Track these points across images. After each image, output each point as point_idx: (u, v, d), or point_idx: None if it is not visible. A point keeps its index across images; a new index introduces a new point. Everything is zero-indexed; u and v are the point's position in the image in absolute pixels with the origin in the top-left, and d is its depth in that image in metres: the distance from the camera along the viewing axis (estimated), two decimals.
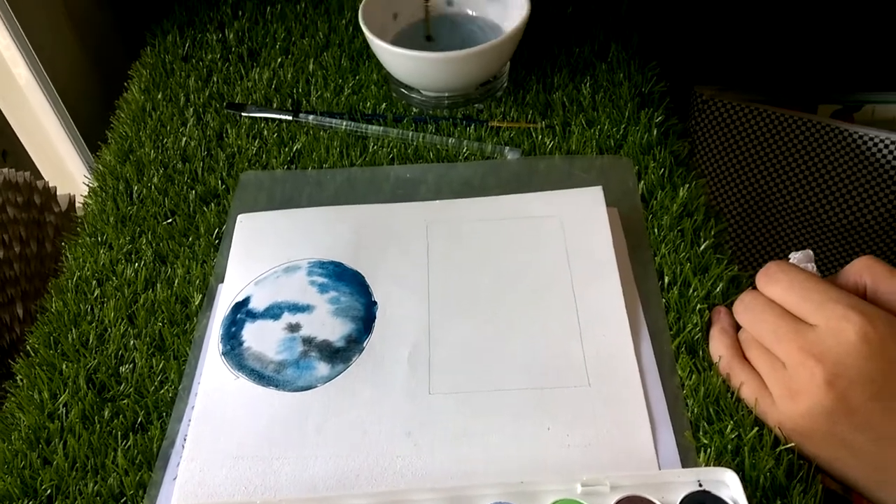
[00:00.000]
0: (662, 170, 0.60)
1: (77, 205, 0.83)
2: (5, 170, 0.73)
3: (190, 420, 0.48)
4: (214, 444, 0.46)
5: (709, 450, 0.44)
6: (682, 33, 0.90)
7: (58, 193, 0.83)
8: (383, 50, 0.65)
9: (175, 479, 0.45)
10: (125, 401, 0.50)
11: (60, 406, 0.50)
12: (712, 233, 0.56)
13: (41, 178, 0.83)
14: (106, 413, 0.49)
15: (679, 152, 0.63)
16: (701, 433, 0.45)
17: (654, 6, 0.87)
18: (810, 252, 0.49)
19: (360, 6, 0.68)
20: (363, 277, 0.55)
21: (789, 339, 0.43)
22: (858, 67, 0.87)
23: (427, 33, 0.72)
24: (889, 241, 0.85)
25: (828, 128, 0.83)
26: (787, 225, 0.90)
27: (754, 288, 0.48)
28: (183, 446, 0.47)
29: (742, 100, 0.87)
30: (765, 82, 0.89)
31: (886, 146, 0.80)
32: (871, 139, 0.81)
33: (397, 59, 0.65)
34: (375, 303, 0.53)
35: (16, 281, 0.71)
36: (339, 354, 0.50)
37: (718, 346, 0.48)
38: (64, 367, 0.52)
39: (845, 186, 0.84)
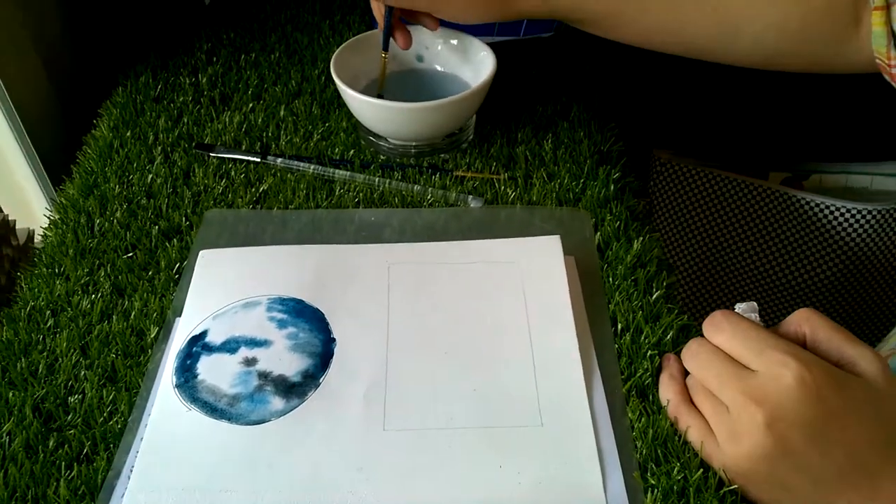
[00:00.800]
0: (618, 223, 0.62)
1: (36, 238, 0.83)
2: None
3: (138, 451, 0.48)
4: (162, 476, 0.46)
5: (656, 490, 0.45)
6: (642, 100, 0.93)
7: (17, 227, 0.83)
8: (353, 98, 0.67)
9: None
10: (72, 431, 0.49)
11: (3, 434, 0.49)
12: (664, 284, 0.57)
13: (0, 210, 0.83)
14: (51, 443, 0.48)
15: (634, 207, 0.65)
16: (649, 474, 0.46)
17: (616, 73, 0.90)
18: (754, 304, 0.50)
19: (333, 55, 0.70)
20: (323, 314, 0.55)
21: (732, 383, 0.44)
22: (808, 139, 0.91)
23: (379, 91, 0.73)
24: (832, 300, 0.88)
25: (777, 193, 0.86)
26: (736, 282, 0.92)
27: (702, 336, 0.49)
28: (129, 477, 0.46)
29: (698, 164, 0.91)
30: (720, 149, 0.93)
31: (832, 212, 0.83)
32: (818, 205, 0.84)
33: (366, 108, 0.67)
34: (334, 339, 0.54)
35: None
36: (295, 389, 0.51)
37: (667, 391, 0.49)
38: (10, 395, 0.51)
39: (793, 248, 0.87)
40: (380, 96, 0.73)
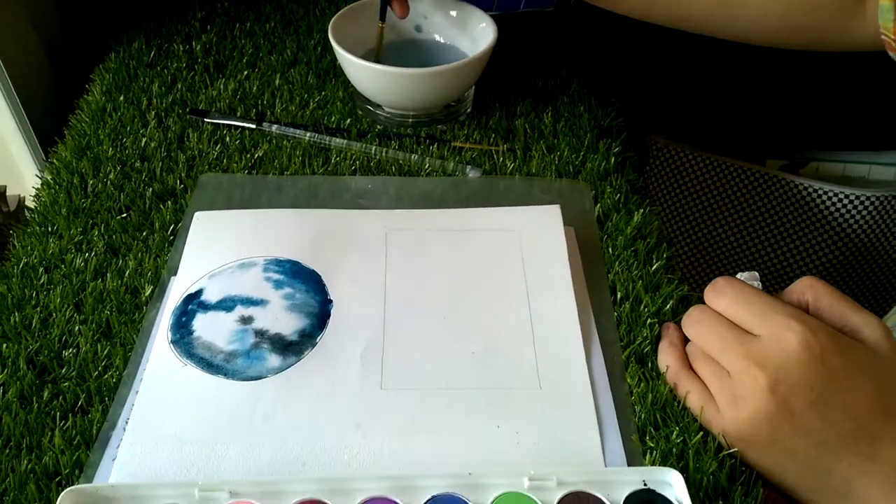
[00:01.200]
0: (618, 195, 0.62)
1: (27, 203, 0.82)
2: None
3: (133, 405, 0.47)
4: (158, 427, 0.45)
5: (654, 453, 0.45)
6: (640, 83, 0.93)
7: (7, 193, 0.81)
8: (350, 63, 0.66)
9: (115, 459, 0.44)
10: (66, 383, 0.48)
11: None
12: (664, 255, 0.57)
13: None
14: (45, 394, 0.48)
15: (635, 181, 0.65)
16: (647, 437, 0.46)
17: (616, 54, 0.90)
18: (756, 273, 0.50)
19: (331, 22, 0.69)
20: (320, 276, 0.55)
21: (734, 348, 0.44)
22: (805, 126, 0.91)
23: (377, 58, 0.73)
24: (829, 282, 0.88)
25: (775, 178, 0.86)
26: (733, 267, 0.92)
27: (703, 303, 0.49)
28: (125, 429, 0.46)
29: (695, 149, 0.91)
30: (716, 135, 0.93)
31: (830, 198, 0.83)
32: (816, 191, 0.84)
33: (364, 73, 0.67)
34: (331, 301, 0.53)
35: None
36: (292, 348, 0.50)
37: (666, 358, 0.49)
38: (4, 347, 0.50)
39: (790, 234, 0.87)
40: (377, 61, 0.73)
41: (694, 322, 0.48)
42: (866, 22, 0.60)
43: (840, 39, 0.62)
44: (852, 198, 0.82)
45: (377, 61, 0.72)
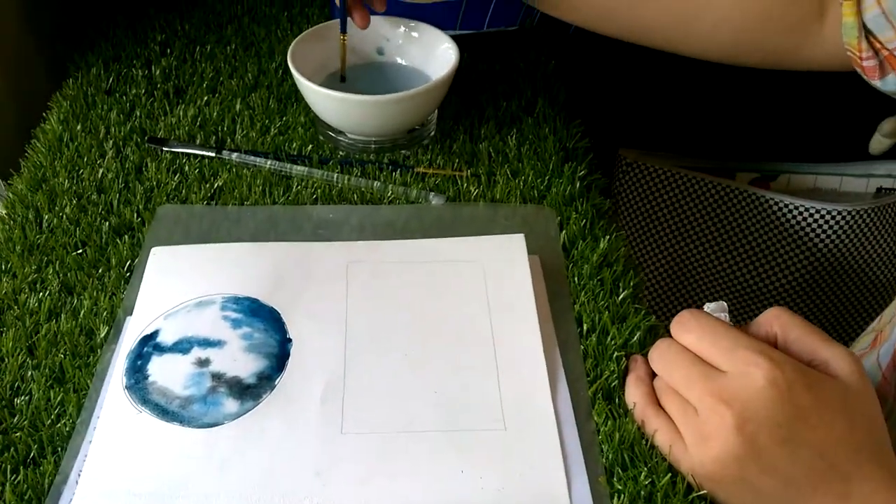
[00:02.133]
0: (584, 221, 0.61)
1: None
2: None
3: (86, 455, 0.45)
4: (110, 481, 0.44)
5: (622, 496, 0.44)
6: (607, 98, 0.92)
7: None
8: (311, 91, 0.65)
9: None
10: (18, 433, 0.47)
11: None
12: (631, 284, 0.56)
13: None
14: None
15: (601, 206, 0.64)
16: (615, 479, 0.45)
17: (581, 70, 0.90)
18: (724, 304, 0.50)
19: (290, 47, 0.68)
20: (279, 314, 0.54)
21: (700, 384, 0.43)
22: (776, 139, 0.91)
23: (342, 74, 0.72)
24: (800, 301, 0.88)
25: (745, 193, 0.86)
26: (703, 284, 0.92)
27: (670, 337, 0.48)
28: (77, 482, 0.44)
29: (664, 164, 0.90)
30: (687, 149, 0.92)
31: (801, 213, 0.83)
32: (787, 206, 0.84)
33: (324, 101, 0.65)
34: (290, 340, 0.52)
35: None
36: (249, 391, 0.49)
37: (634, 393, 0.48)
38: None
39: (761, 249, 0.87)
40: (342, 78, 0.71)
41: (660, 356, 0.47)
42: (824, 39, 0.60)
43: (797, 58, 0.62)
44: (823, 213, 0.82)
45: (342, 77, 0.71)
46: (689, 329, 0.46)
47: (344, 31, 0.70)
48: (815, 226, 0.83)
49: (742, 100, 0.90)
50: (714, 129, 0.93)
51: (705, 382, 0.43)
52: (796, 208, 0.83)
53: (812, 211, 0.83)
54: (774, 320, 0.46)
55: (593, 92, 0.90)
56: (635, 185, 0.91)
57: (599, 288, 0.56)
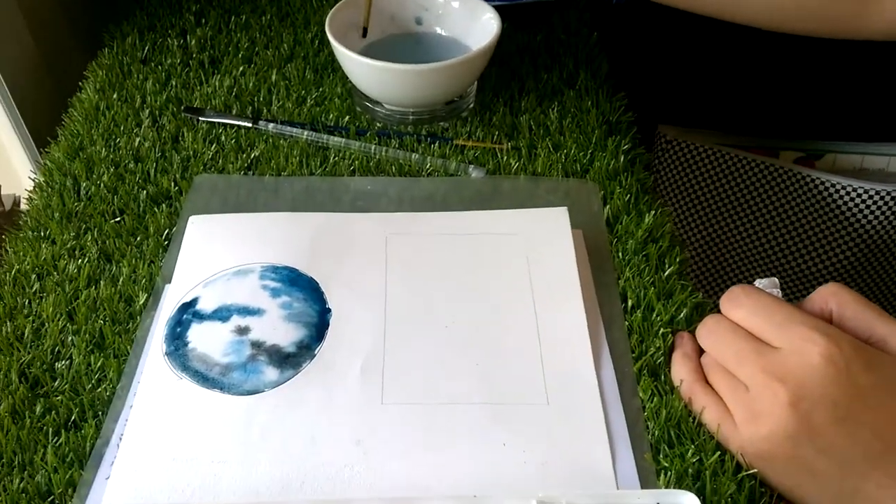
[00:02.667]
0: (628, 196, 0.60)
1: (22, 204, 0.80)
2: None
3: (127, 419, 0.45)
4: (152, 445, 0.44)
5: (669, 473, 0.43)
6: (648, 73, 0.90)
7: (3, 193, 0.80)
8: (349, 60, 0.64)
9: (108, 478, 0.42)
10: (59, 397, 0.47)
11: None
12: (677, 260, 0.55)
13: None
14: (38, 409, 0.46)
15: (645, 181, 0.63)
16: (661, 456, 0.44)
17: (623, 43, 0.88)
18: (776, 279, 0.48)
19: (328, 16, 0.67)
20: (318, 284, 0.53)
21: (752, 361, 0.42)
22: (822, 117, 0.89)
23: (364, 25, 0.70)
24: (850, 283, 0.86)
25: (790, 172, 0.84)
26: (746, 266, 0.90)
27: (719, 313, 0.47)
28: (118, 446, 0.44)
29: (705, 141, 0.88)
30: (728, 126, 0.90)
31: (848, 193, 0.81)
32: (833, 185, 0.82)
33: (363, 70, 0.64)
34: (329, 310, 0.51)
35: None
36: (289, 360, 0.48)
37: (680, 370, 0.47)
38: None
39: (805, 230, 0.85)
40: (364, 32, 0.70)
41: (709, 332, 0.46)
42: (884, 8, 0.58)
43: (856, 25, 0.59)
44: (871, 192, 0.80)
45: (364, 30, 0.70)
46: (740, 304, 0.45)
47: None
48: (862, 206, 0.81)
49: (786, 76, 0.88)
50: (757, 106, 0.90)
51: (757, 359, 0.42)
52: (843, 188, 0.81)
53: (860, 191, 0.80)
54: (830, 296, 0.45)
55: (633, 66, 0.88)
56: (675, 162, 0.89)
57: (644, 264, 0.55)
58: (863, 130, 0.86)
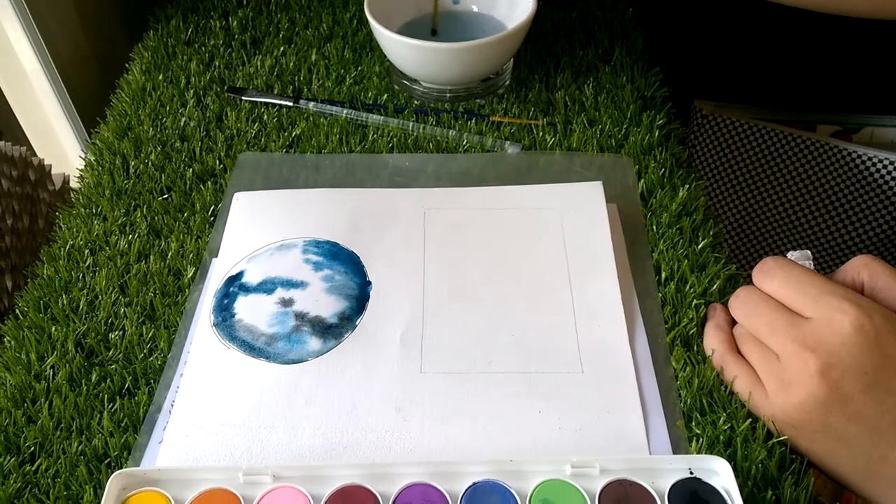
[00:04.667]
0: (663, 170, 0.61)
1: (72, 184, 0.83)
2: (1, 143, 0.73)
3: (178, 387, 0.48)
4: (202, 411, 0.46)
5: (701, 440, 0.44)
6: (683, 47, 0.90)
7: (53, 172, 0.82)
8: (387, 39, 0.65)
9: (160, 442, 0.45)
10: (113, 366, 0.49)
11: (48, 368, 0.49)
12: (710, 233, 0.56)
13: (36, 155, 0.82)
14: (93, 377, 0.48)
15: (679, 155, 0.63)
16: (693, 424, 0.45)
17: (658, 18, 0.88)
18: (808, 252, 0.49)
19: None
20: (358, 258, 0.55)
21: (784, 330, 0.43)
22: (859, 90, 0.88)
23: (434, 27, 0.72)
24: (885, 257, 0.85)
25: (827, 146, 0.83)
26: (782, 238, 0.90)
27: (751, 284, 0.48)
28: (170, 412, 0.46)
29: (741, 116, 0.88)
30: (764, 101, 0.90)
31: (885, 166, 0.80)
32: (871, 158, 0.81)
33: (401, 49, 0.66)
34: (370, 283, 0.53)
35: (6, 253, 0.71)
36: (332, 330, 0.50)
37: (712, 341, 0.48)
38: (53, 330, 0.51)
39: (843, 204, 0.85)
40: (433, 32, 0.71)
41: (741, 303, 0.47)
42: None
43: None
44: None
45: (433, 31, 0.71)
46: (772, 275, 0.45)
47: None
48: None
49: (822, 49, 0.87)
50: (793, 80, 0.90)
51: (789, 329, 0.43)
52: (880, 161, 0.80)
53: None
54: (862, 268, 0.45)
55: (669, 41, 0.88)
56: (711, 137, 0.89)
57: (678, 237, 0.55)
58: None
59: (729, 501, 0.40)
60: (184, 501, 0.41)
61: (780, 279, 0.45)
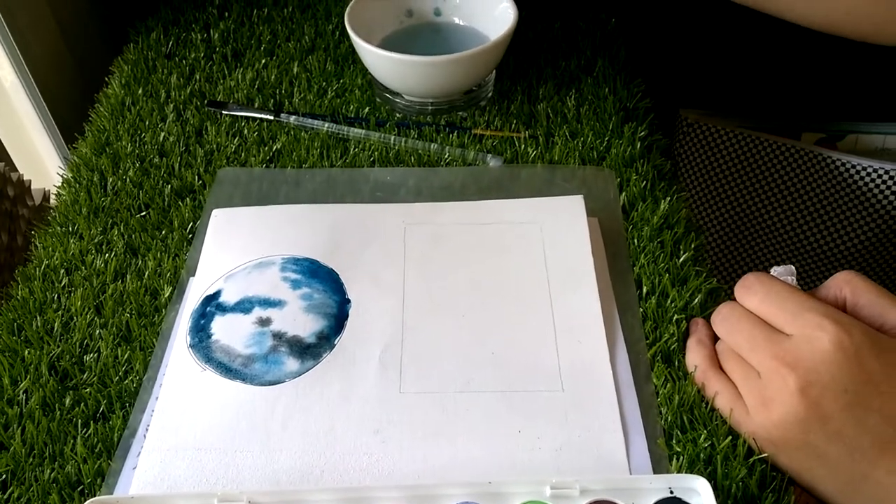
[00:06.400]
0: (645, 182, 0.60)
1: (51, 198, 0.82)
2: None
3: (153, 410, 0.47)
4: (177, 435, 0.45)
5: (681, 458, 0.43)
6: (668, 57, 0.90)
7: (32, 188, 0.82)
8: (368, 52, 0.65)
9: (135, 468, 0.44)
10: (87, 389, 0.48)
11: (21, 392, 0.48)
12: (692, 246, 0.55)
13: (16, 170, 0.82)
14: (67, 401, 0.48)
15: (662, 167, 0.63)
16: (674, 441, 0.44)
17: (642, 27, 0.87)
18: (792, 267, 0.49)
19: (347, 9, 0.68)
20: (337, 275, 0.54)
21: (764, 347, 0.43)
22: (843, 97, 0.88)
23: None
24: (866, 265, 0.85)
25: (811, 154, 0.83)
26: (767, 248, 0.90)
27: (733, 300, 0.47)
28: (144, 436, 0.46)
29: (726, 124, 0.88)
30: (749, 109, 0.90)
31: (868, 174, 0.80)
32: (854, 167, 0.81)
33: (382, 62, 0.65)
34: (349, 301, 0.52)
35: None
36: (310, 351, 0.49)
37: (694, 357, 0.48)
38: (26, 353, 0.50)
39: (827, 213, 0.85)
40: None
41: (723, 319, 0.47)
42: None
43: None
44: (893, 173, 0.79)
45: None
46: (753, 292, 0.45)
47: None
48: (883, 187, 0.80)
49: (806, 57, 0.87)
50: (778, 89, 0.90)
51: (769, 346, 0.42)
52: (864, 169, 0.80)
53: (881, 172, 0.79)
54: (844, 284, 0.45)
55: (653, 51, 0.88)
56: (697, 146, 0.89)
57: (660, 250, 0.55)
58: (884, 110, 0.85)
59: None
60: None
61: (761, 295, 0.44)
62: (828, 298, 0.45)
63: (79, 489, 0.44)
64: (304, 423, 0.46)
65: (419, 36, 0.73)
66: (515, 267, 0.54)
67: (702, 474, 0.41)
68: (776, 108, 0.89)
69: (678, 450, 0.44)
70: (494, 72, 0.71)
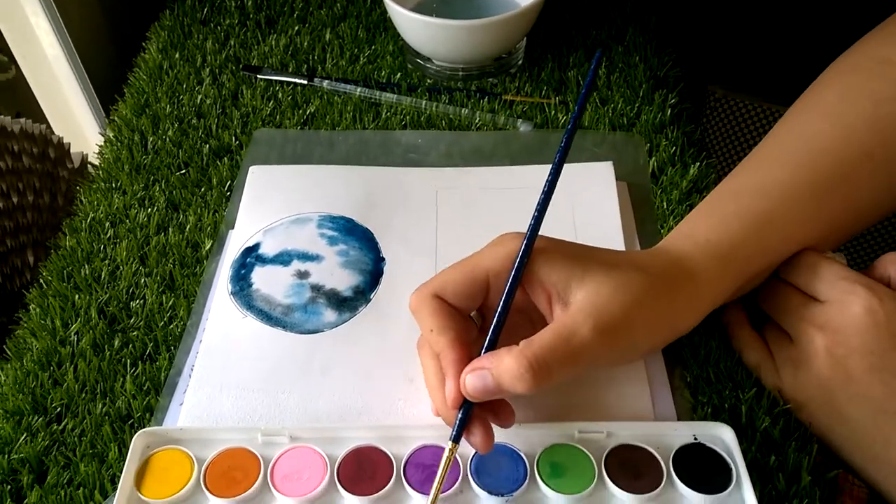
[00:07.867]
0: (674, 148, 0.61)
1: (90, 162, 0.84)
2: (22, 120, 0.74)
3: (197, 352, 0.49)
4: (221, 375, 0.47)
5: (706, 408, 0.45)
6: (697, 32, 0.91)
7: (71, 150, 0.84)
8: (401, 16, 0.66)
9: (181, 404, 0.46)
10: (135, 332, 0.51)
11: (72, 333, 0.50)
12: None
13: (54, 133, 0.84)
14: (116, 342, 0.50)
15: (691, 133, 0.64)
16: (699, 393, 0.46)
17: (673, 3, 0.88)
18: (842, 254, 0.49)
19: None
20: (372, 234, 0.56)
21: (795, 311, 0.44)
22: None
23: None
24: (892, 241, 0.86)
25: None
26: None
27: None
28: (190, 375, 0.48)
29: (755, 100, 0.88)
30: (777, 84, 0.90)
31: None
32: None
33: (414, 27, 0.66)
34: (384, 259, 0.54)
35: (28, 229, 0.72)
36: (347, 303, 0.51)
37: (726, 313, 0.49)
38: (76, 298, 0.53)
39: None
40: None
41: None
42: None
43: None
44: None
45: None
46: (793, 263, 0.46)
47: (457, 441, 0.41)
48: None
49: (833, 35, 0.87)
50: (804, 65, 0.90)
51: (801, 310, 0.43)
52: None
53: None
54: (890, 263, 0.45)
55: (681, 27, 0.88)
56: (724, 122, 0.90)
57: (689, 212, 0.56)
58: None
59: (733, 467, 0.41)
60: (205, 460, 0.42)
61: (801, 265, 0.45)
62: (872, 276, 0.45)
63: (129, 423, 0.46)
64: (342, 370, 0.47)
65: (452, 3, 0.74)
66: (544, 231, 0.55)
67: (726, 423, 0.42)
68: (803, 85, 0.89)
69: (703, 400, 0.45)
70: (525, 39, 0.72)
